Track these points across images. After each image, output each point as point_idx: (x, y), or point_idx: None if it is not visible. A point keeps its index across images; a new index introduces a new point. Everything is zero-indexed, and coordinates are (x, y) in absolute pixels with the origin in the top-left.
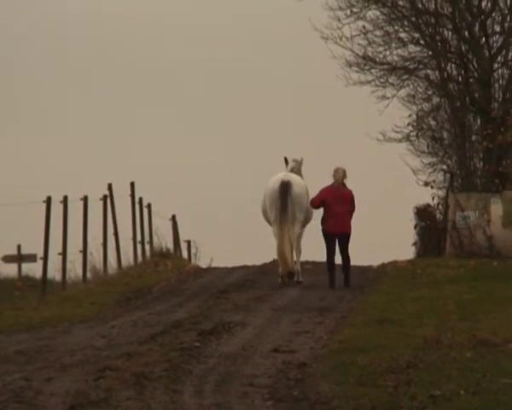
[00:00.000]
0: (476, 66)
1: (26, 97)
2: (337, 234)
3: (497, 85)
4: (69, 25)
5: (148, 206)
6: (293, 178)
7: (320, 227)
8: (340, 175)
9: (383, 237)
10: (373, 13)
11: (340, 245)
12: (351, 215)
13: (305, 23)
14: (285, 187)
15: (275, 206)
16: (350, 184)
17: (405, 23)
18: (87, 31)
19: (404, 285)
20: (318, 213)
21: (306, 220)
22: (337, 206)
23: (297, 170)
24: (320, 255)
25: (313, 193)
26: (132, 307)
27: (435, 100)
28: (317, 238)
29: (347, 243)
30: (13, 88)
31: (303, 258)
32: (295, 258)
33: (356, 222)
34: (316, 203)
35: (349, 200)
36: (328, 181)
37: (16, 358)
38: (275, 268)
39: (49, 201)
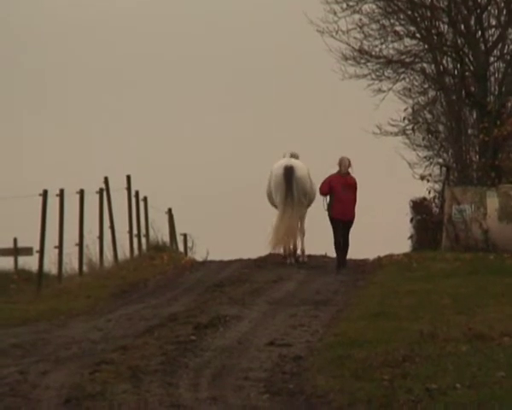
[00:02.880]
0: (472, 59)
1: (23, 90)
2: (343, 220)
3: (493, 79)
4: (66, 22)
5: (145, 199)
6: (296, 162)
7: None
8: (346, 164)
9: (379, 230)
10: (369, 6)
11: (343, 230)
12: (355, 202)
13: (301, 16)
14: (289, 171)
15: (280, 189)
16: None
17: (401, 16)
18: (85, 26)
19: (400, 279)
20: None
21: (309, 202)
22: (343, 193)
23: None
24: (317, 249)
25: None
26: (128, 301)
27: (431, 93)
28: (315, 232)
29: (350, 228)
30: (12, 79)
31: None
32: (300, 239)
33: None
34: (324, 190)
35: (354, 187)
36: (325, 173)
37: (12, 351)
38: (270, 261)
39: (45, 194)
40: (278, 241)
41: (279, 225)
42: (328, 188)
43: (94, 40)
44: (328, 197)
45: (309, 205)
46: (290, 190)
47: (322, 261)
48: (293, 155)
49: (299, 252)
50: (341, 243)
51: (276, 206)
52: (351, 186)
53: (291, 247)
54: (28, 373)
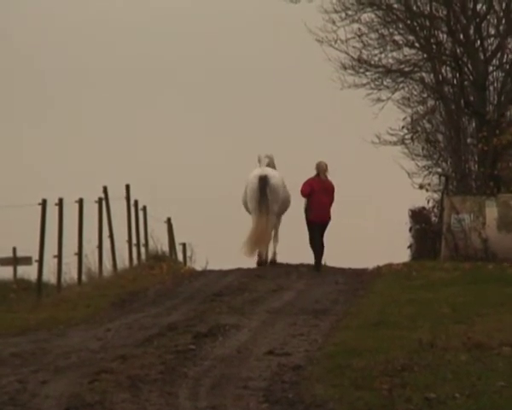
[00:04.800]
0: (471, 68)
1: (22, 98)
2: (320, 222)
3: (491, 88)
4: (68, 24)
5: (144, 208)
6: (270, 171)
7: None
8: (323, 168)
9: (378, 239)
10: (368, 16)
11: (319, 231)
12: (330, 205)
13: (300, 26)
14: (263, 180)
15: (254, 198)
16: (346, 186)
17: (400, 26)
18: (83, 31)
19: (399, 288)
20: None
21: (283, 210)
22: (322, 196)
23: (272, 165)
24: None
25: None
26: (127, 310)
27: (430, 103)
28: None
29: (325, 230)
30: (11, 88)
31: (299, 261)
32: (273, 244)
33: (351, 224)
34: (305, 191)
35: (331, 191)
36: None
37: (11, 360)
38: (270, 271)
39: (44, 203)
40: (252, 247)
41: (253, 232)
42: (308, 189)
43: (92, 47)
44: (305, 200)
45: (283, 212)
46: (264, 199)
47: (322, 271)
48: (268, 157)
49: (270, 257)
50: (317, 245)
51: (250, 213)
52: (328, 190)
53: (268, 252)
54: (27, 382)
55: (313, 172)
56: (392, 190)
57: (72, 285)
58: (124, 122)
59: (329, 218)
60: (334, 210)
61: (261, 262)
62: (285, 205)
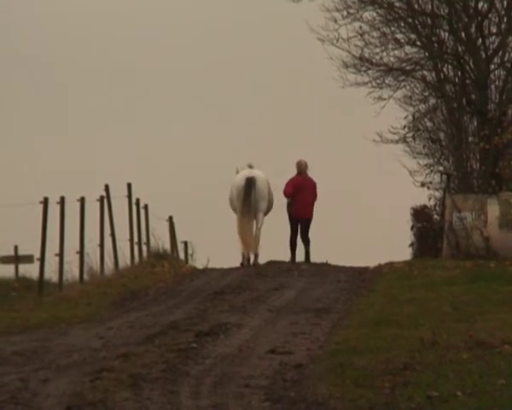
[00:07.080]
0: (473, 67)
1: (22, 96)
2: (302, 219)
3: (493, 87)
4: (66, 24)
5: (145, 207)
6: (257, 173)
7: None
8: (304, 167)
9: (380, 238)
10: (369, 14)
11: (302, 228)
12: (314, 202)
13: (302, 24)
14: (250, 181)
15: (241, 197)
16: (348, 184)
17: (402, 24)
18: (83, 30)
19: (401, 286)
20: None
21: (268, 210)
22: (304, 194)
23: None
24: (316, 257)
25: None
26: (129, 309)
27: (432, 101)
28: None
29: (309, 226)
30: (10, 86)
31: (298, 259)
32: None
33: (352, 223)
34: (288, 192)
35: (313, 189)
36: (325, 180)
37: (13, 359)
38: (271, 269)
39: (46, 202)
40: (250, 246)
41: (246, 232)
42: (292, 190)
43: (93, 45)
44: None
45: (267, 212)
46: (250, 199)
47: (323, 269)
48: (250, 166)
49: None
50: (302, 240)
51: (236, 211)
52: (309, 187)
53: (251, 252)
54: (29, 381)
55: (315, 171)
56: (393, 189)
57: (73, 284)
58: (125, 121)
59: (311, 215)
60: (335, 209)
61: (243, 262)
62: (270, 206)
